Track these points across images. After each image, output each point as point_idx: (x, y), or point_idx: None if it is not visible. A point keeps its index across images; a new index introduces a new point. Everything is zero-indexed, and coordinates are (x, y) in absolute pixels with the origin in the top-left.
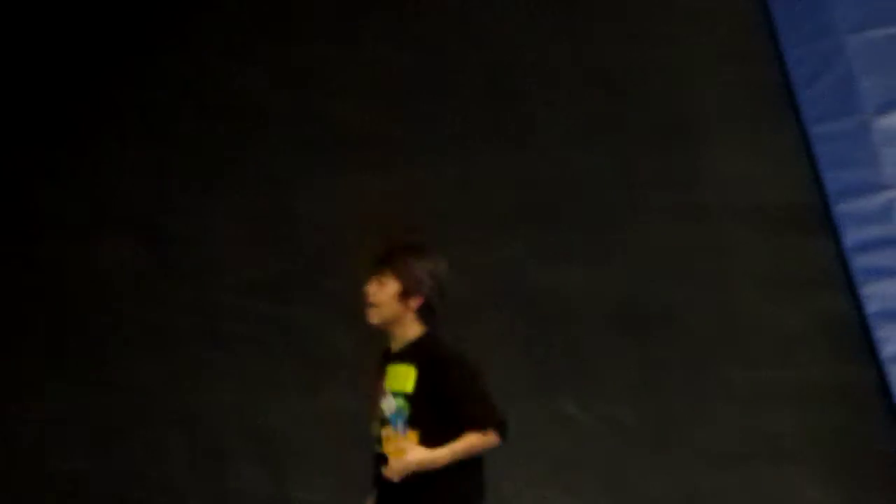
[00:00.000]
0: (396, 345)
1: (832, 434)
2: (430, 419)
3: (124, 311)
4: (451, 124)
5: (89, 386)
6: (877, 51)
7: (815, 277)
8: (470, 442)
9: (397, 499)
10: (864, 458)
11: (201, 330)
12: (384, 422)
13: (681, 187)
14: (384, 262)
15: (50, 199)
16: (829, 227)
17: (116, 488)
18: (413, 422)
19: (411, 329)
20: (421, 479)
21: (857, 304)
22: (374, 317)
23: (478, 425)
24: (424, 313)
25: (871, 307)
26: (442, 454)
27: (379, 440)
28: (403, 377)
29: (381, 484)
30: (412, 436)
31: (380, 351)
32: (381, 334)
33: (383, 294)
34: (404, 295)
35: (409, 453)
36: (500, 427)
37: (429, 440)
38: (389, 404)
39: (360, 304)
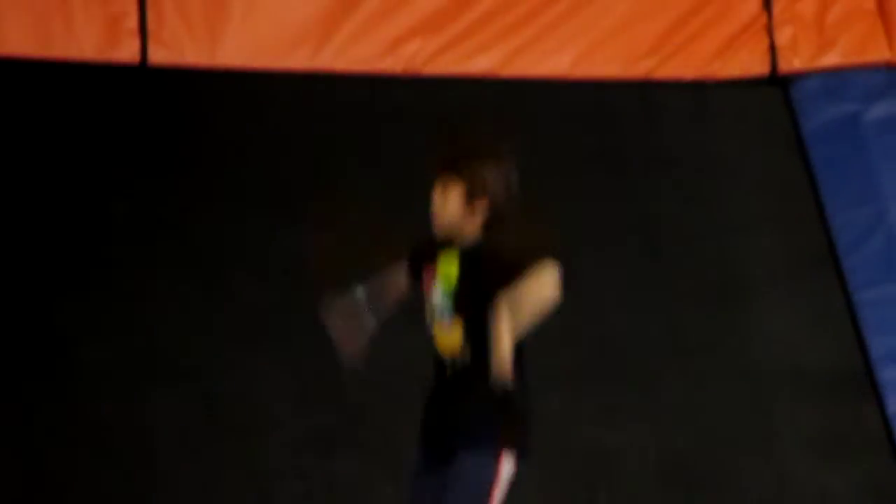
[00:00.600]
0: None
1: None
2: (472, 305)
3: (170, 467)
4: None
5: None
6: None
7: (861, 442)
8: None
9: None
10: None
11: (248, 487)
12: (434, 317)
13: (725, 348)
14: (449, 165)
15: (96, 353)
16: (873, 392)
17: None
18: (457, 309)
19: (472, 233)
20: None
21: None
22: (439, 224)
23: None
24: (490, 219)
25: None
26: (503, 332)
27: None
28: (449, 269)
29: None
30: (457, 324)
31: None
32: None
33: (447, 199)
34: (469, 198)
35: (496, 348)
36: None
37: (473, 327)
38: (437, 298)
39: (401, 456)
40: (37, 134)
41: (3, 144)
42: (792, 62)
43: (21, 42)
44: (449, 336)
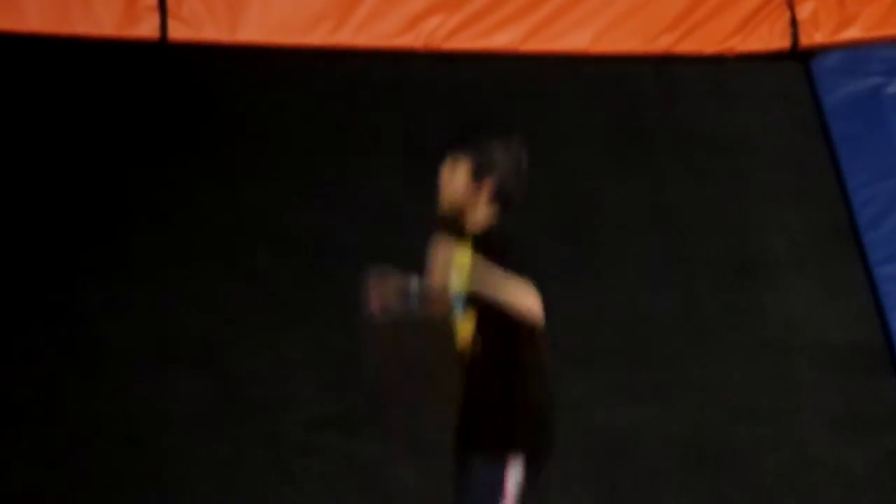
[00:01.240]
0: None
1: None
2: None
3: (191, 446)
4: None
5: None
6: None
7: (882, 417)
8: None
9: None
10: None
11: (269, 465)
12: (451, 309)
13: (747, 326)
14: (456, 143)
15: (117, 333)
16: (893, 367)
17: None
18: (470, 301)
19: (482, 216)
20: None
21: None
22: (446, 202)
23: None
24: (498, 198)
25: None
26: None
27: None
28: (462, 259)
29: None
30: (470, 316)
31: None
32: None
33: (454, 176)
34: (475, 176)
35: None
36: None
37: (485, 320)
38: (452, 288)
39: (422, 436)
40: (57, 111)
41: (25, 121)
42: (813, 36)
43: (41, 19)
44: (462, 328)
